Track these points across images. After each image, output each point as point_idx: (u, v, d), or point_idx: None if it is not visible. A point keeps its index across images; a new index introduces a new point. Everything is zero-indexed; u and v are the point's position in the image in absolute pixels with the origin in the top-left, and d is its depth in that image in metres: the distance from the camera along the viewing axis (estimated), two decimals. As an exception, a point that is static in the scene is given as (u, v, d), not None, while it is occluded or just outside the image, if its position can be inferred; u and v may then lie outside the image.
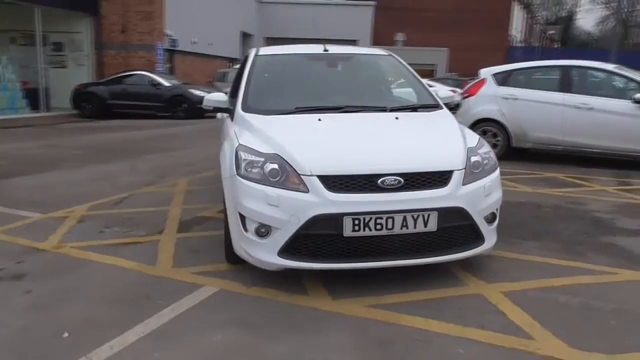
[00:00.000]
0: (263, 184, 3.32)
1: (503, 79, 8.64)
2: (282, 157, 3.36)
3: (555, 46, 64.68)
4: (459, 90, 11.04)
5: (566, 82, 8.14)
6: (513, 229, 4.71)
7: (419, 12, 38.96)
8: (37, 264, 4.02)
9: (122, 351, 2.81)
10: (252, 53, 4.94)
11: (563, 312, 3.18)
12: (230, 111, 4.45)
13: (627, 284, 3.62)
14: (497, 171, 3.70)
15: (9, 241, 4.51)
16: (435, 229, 3.28)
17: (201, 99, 15.94)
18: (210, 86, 19.53)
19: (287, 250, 3.27)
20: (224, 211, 3.94)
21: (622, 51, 51.05)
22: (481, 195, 3.47)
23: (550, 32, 67.10)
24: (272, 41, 34.11)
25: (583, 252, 4.25)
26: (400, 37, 36.60)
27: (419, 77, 4.87)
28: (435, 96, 4.55)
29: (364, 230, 3.20)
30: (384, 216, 3.20)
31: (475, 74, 9.59)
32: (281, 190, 3.26)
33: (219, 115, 5.72)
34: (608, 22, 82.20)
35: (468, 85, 9.47)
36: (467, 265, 3.76)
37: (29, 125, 13.99)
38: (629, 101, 7.63)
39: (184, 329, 3.02)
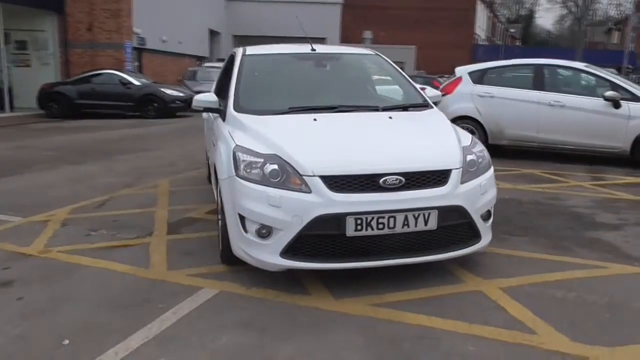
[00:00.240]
0: (264, 185, 3.30)
1: (478, 77, 8.80)
2: (281, 158, 3.35)
3: (517, 44, 66.18)
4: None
5: (539, 81, 8.34)
6: (499, 225, 4.78)
7: (386, 10, 39.36)
8: (25, 270, 3.90)
9: (128, 357, 2.76)
10: (240, 52, 4.90)
11: (561, 307, 3.26)
12: (220, 111, 4.40)
13: (617, 278, 3.74)
14: (492, 169, 3.77)
15: (-9, 247, 4.37)
16: (435, 228, 3.32)
17: (173, 98, 15.76)
18: (181, 85, 19.27)
19: (290, 251, 3.26)
20: (219, 212, 3.91)
21: (579, 49, 52.55)
22: (478, 194, 3.53)
23: (512, 30, 68.61)
24: (240, 39, 33.84)
25: (570, 247, 4.37)
26: (367, 35, 36.86)
27: (406, 75, 4.93)
28: (424, 95, 4.60)
29: (366, 229, 3.22)
30: (386, 215, 3.22)
31: (442, 72, 9.74)
32: (283, 190, 3.25)
33: (204, 114, 5.63)
34: (566, 20, 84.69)
35: (445, 84, 9.60)
36: (463, 262, 3.82)
37: (-7, 126, 13.55)
38: (600, 99, 7.85)
39: (189, 332, 2.99)
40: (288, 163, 3.32)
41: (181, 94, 16.29)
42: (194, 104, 4.52)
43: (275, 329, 3.02)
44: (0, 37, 16.52)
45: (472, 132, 8.54)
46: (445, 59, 35.74)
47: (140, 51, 20.58)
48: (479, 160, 3.67)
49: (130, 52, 18.86)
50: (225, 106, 4.30)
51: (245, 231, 3.38)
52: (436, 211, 3.30)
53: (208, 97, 4.45)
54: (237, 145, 3.58)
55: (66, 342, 2.90)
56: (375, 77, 5.04)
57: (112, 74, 16.18)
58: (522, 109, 8.24)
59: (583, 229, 4.88)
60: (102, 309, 3.29)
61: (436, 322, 3.05)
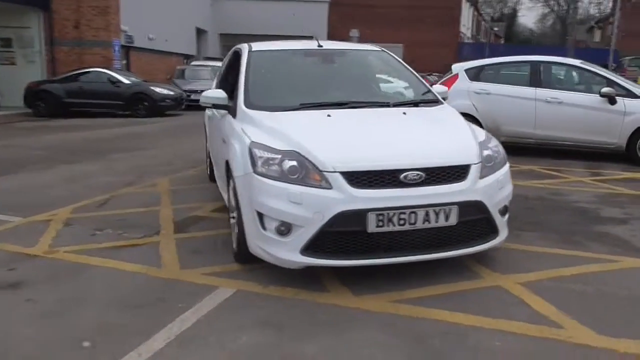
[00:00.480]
0: (283, 182, 3.26)
1: (475, 75, 8.82)
2: (300, 154, 3.31)
3: (501, 42, 66.75)
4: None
5: (536, 77, 8.39)
6: (509, 221, 4.80)
7: (372, 8, 39.37)
8: (32, 271, 3.81)
9: (152, 358, 2.70)
10: (246, 49, 4.83)
11: (582, 301, 3.26)
12: (229, 108, 4.34)
13: (631, 271, 3.76)
14: (507, 165, 3.77)
15: (-6, 247, 4.27)
16: (455, 223, 3.31)
17: (163, 96, 15.64)
18: (170, 83, 19.09)
19: (310, 248, 3.22)
20: (232, 210, 3.85)
21: (563, 47, 53.07)
22: (496, 189, 3.52)
23: (496, 29, 69.21)
24: (226, 37, 33.66)
25: (580, 241, 4.38)
26: (354, 33, 36.85)
27: (413, 71, 4.91)
28: (434, 91, 4.59)
29: (387, 225, 3.19)
30: (407, 211, 3.20)
31: (429, 70, 9.75)
32: (303, 187, 3.21)
33: (208, 112, 5.55)
34: (548, 19, 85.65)
35: (441, 80, 9.61)
36: (479, 257, 3.81)
37: (-21, 125, 13.30)
38: (596, 95, 7.92)
39: (210, 332, 2.93)
40: (307, 159, 3.27)
41: (171, 93, 16.15)
42: (202, 100, 4.45)
43: (296, 327, 2.98)
44: (-15, 35, 16.23)
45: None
46: (431, 57, 35.91)
47: (128, 49, 20.32)
48: (495, 156, 3.67)
49: (118, 50, 18.63)
50: (235, 103, 4.24)
51: (264, 228, 3.34)
52: (456, 206, 3.28)
53: (216, 93, 4.38)
54: (252, 141, 3.53)
55: (86, 344, 2.83)
56: (383, 73, 5.00)
57: (100, 72, 15.97)
58: (519, 105, 8.28)
59: (590, 223, 4.90)
60: (117, 309, 3.22)
61: (459, 318, 3.04)
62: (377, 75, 4.93)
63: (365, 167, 3.21)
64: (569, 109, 8.00)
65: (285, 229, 3.26)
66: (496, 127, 8.50)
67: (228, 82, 5.24)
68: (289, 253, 3.27)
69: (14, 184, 6.66)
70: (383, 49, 5.21)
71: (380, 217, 3.17)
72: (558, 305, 3.17)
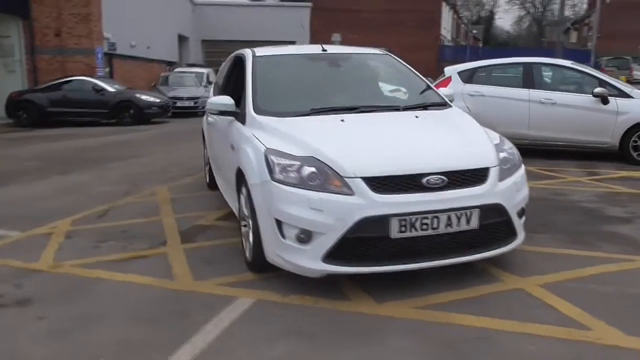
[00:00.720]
0: (303, 188, 3.20)
1: (468, 77, 8.86)
2: (319, 160, 3.26)
3: (480, 45, 67.56)
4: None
5: (529, 79, 8.45)
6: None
7: (354, 13, 39.51)
8: (39, 287, 3.69)
9: (179, 374, 2.62)
10: (249, 54, 4.77)
11: (605, 301, 3.26)
12: (237, 114, 4.27)
13: (647, 270, 3.78)
14: (523, 167, 3.76)
15: (-4, 263, 4.13)
16: (476, 227, 3.29)
17: (149, 104, 15.52)
18: (154, 90, 18.89)
19: (332, 256, 3.17)
20: (243, 218, 3.77)
21: (539, 49, 53.83)
22: (514, 191, 3.51)
23: (474, 31, 70.07)
24: (208, 44, 33.53)
25: (591, 241, 4.40)
26: (336, 37, 36.92)
27: (419, 74, 4.89)
28: (441, 94, 4.58)
29: (410, 231, 3.15)
30: (430, 216, 3.17)
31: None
32: (324, 193, 3.16)
33: (210, 119, 5.47)
34: (524, 21, 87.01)
35: (434, 83, 9.63)
36: (496, 260, 3.78)
37: (-40, 137, 12.99)
38: (588, 95, 8.00)
39: (238, 344, 2.86)
40: (327, 165, 3.23)
41: (157, 100, 15.98)
42: (208, 107, 4.38)
43: (326, 336, 2.92)
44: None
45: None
46: (413, 60, 35.86)
47: (110, 57, 20.06)
48: (511, 158, 3.66)
49: (101, 58, 18.38)
50: (243, 109, 4.17)
51: (283, 236, 3.27)
52: (478, 210, 3.26)
53: (223, 99, 4.31)
54: (268, 148, 3.47)
55: (107, 361, 2.74)
56: (388, 76, 4.96)
57: (84, 80, 15.75)
58: (514, 107, 8.33)
59: (596, 223, 4.93)
60: (134, 324, 3.13)
61: (487, 323, 3.01)
62: (380, 82, 4.89)
63: (387, 172, 3.17)
64: (562, 109, 8.07)
65: (305, 236, 3.20)
66: (491, 129, 8.52)
67: (230, 88, 5.18)
68: (310, 261, 3.21)
69: (6, 196, 6.50)
70: (386, 52, 5.19)
71: (403, 223, 3.13)
72: (582, 307, 3.16)
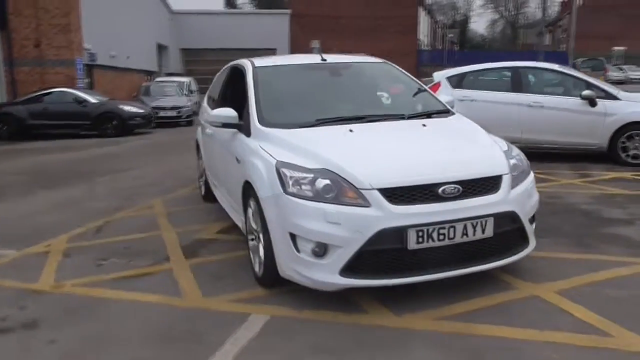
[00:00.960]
0: (318, 201, 3.16)
1: (457, 82, 8.91)
2: (334, 172, 3.22)
3: (456, 49, 68.34)
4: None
5: (518, 83, 8.54)
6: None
7: (333, 19, 39.63)
8: (44, 308, 3.58)
9: (204, 397, 2.54)
10: (248, 65, 4.72)
11: (620, 306, 3.27)
12: (240, 126, 4.22)
13: (656, 273, 3.81)
14: (532, 173, 3.77)
15: (-4, 285, 4.00)
16: (491, 235, 3.28)
17: (132, 115, 15.28)
18: (136, 100, 18.67)
19: (349, 269, 3.13)
20: (257, 232, 3.70)
21: (514, 51, 54.60)
22: (526, 198, 3.52)
23: (450, 35, 70.86)
24: (187, 52, 33.37)
25: (595, 244, 4.43)
26: (315, 44, 37.00)
27: (419, 82, 4.89)
28: (443, 102, 4.58)
29: (427, 241, 3.13)
30: (446, 226, 3.15)
31: None
32: (341, 206, 3.12)
33: (208, 130, 5.39)
34: (497, 25, 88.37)
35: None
36: (506, 267, 3.75)
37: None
38: (577, 98, 8.11)
39: (259, 363, 2.80)
40: (341, 177, 3.19)
41: (140, 111, 15.77)
42: (212, 119, 4.31)
43: (352, 351, 2.88)
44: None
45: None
46: (393, 65, 36.27)
47: (90, 67, 19.78)
48: (520, 164, 3.67)
49: (81, 69, 18.10)
50: (247, 121, 4.12)
51: (298, 250, 3.22)
52: (492, 218, 3.26)
53: (226, 112, 4.24)
54: (278, 160, 3.42)
55: (127, 385, 2.65)
56: (388, 84, 4.95)
57: (65, 92, 15.47)
58: (503, 111, 8.39)
59: (597, 225, 4.97)
60: (149, 344, 3.05)
61: (509, 332, 2.99)
62: (382, 91, 4.88)
63: (403, 183, 3.15)
64: (552, 112, 8.16)
65: (320, 250, 3.16)
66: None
67: (227, 99, 5.12)
68: (327, 275, 3.16)
69: (-4, 213, 6.32)
70: (384, 60, 5.19)
71: (420, 233, 3.11)
72: (599, 312, 3.17)
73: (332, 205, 3.12)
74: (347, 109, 4.30)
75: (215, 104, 5.42)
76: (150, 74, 26.66)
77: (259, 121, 4.00)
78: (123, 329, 3.25)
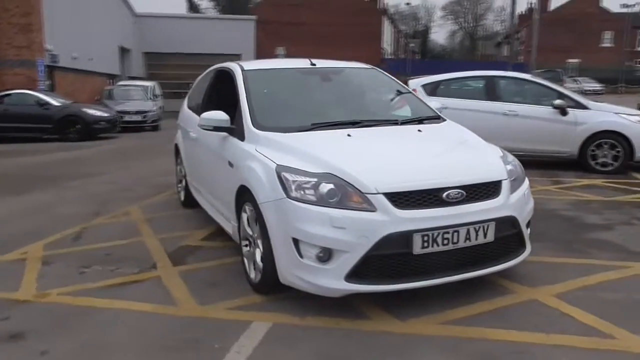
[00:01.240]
0: (322, 206, 3.11)
1: (432, 90, 9.02)
2: (337, 176, 3.18)
3: (417, 57, 69.57)
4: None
5: (492, 91, 8.72)
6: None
7: (298, 26, 39.74)
8: (29, 319, 3.40)
9: (214, 408, 2.45)
10: (237, 68, 4.63)
11: (618, 308, 3.34)
12: (232, 130, 4.13)
13: (646, 276, 3.91)
14: (527, 179, 3.82)
15: (-29, 295, 3.77)
16: (492, 240, 3.30)
17: (96, 118, 14.86)
18: (99, 104, 18.18)
19: (355, 274, 3.08)
20: (253, 238, 3.61)
21: (474, 61, 56.02)
22: (524, 203, 3.56)
23: (412, 45, 72.11)
24: (150, 56, 32.71)
25: (582, 249, 4.53)
26: (280, 51, 37.00)
27: (408, 88, 4.91)
28: (433, 108, 4.62)
29: (432, 246, 3.12)
30: (450, 230, 3.15)
31: None
32: (346, 211, 3.07)
33: (193, 134, 5.26)
34: (457, 36, 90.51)
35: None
36: (501, 272, 3.79)
37: None
38: (548, 107, 8.33)
39: (267, 372, 2.72)
40: (346, 181, 3.15)
41: (105, 114, 15.37)
42: (201, 122, 4.19)
43: (359, 358, 2.83)
44: None
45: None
46: (358, 73, 36.50)
47: (52, 69, 19.15)
48: (516, 170, 3.71)
49: (42, 70, 17.51)
50: (240, 124, 4.04)
51: (301, 256, 3.16)
52: (494, 223, 3.28)
53: (218, 115, 4.14)
54: (279, 165, 3.36)
55: (132, 398, 2.53)
56: (378, 89, 4.95)
57: (26, 94, 14.93)
58: (478, 119, 8.47)
59: (580, 231, 5.09)
60: (151, 354, 2.93)
61: (516, 336, 3.01)
62: (372, 96, 4.87)
63: (408, 187, 3.13)
64: (526, 121, 8.36)
65: (325, 255, 3.10)
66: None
67: (213, 103, 5.00)
68: (332, 280, 3.11)
69: (-40, 220, 6.00)
70: (373, 67, 5.19)
71: (425, 238, 3.10)
72: (599, 315, 3.22)
73: (338, 209, 3.08)
74: (341, 113, 4.26)
75: (200, 107, 5.30)
76: (112, 78, 26.02)
77: (253, 125, 3.93)
78: (118, 339, 3.11)
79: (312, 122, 3.95)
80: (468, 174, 3.32)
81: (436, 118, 4.46)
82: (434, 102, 4.87)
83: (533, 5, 44.25)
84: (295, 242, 3.17)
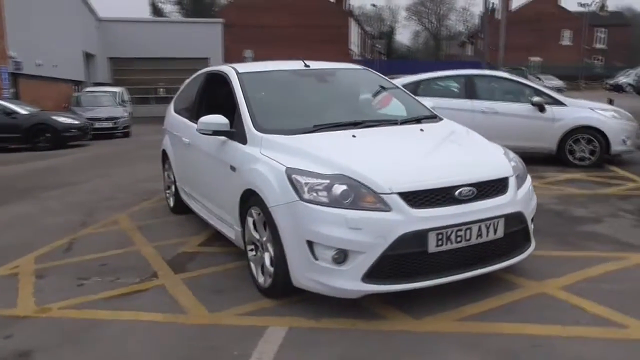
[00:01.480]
0: (337, 207, 3.10)
1: (413, 89, 9.00)
2: (350, 177, 3.18)
3: (384, 58, 70.15)
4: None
5: (471, 90, 8.86)
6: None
7: (264, 28, 39.55)
8: (35, 335, 3.28)
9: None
10: (231, 71, 4.57)
11: (624, 298, 3.42)
12: (232, 134, 4.08)
13: (645, 266, 4.02)
14: (529, 175, 3.89)
15: (-34, 313, 3.62)
16: (502, 235, 3.34)
17: (66, 126, 14.49)
18: (68, 111, 17.74)
19: (371, 275, 3.09)
20: (265, 243, 3.54)
21: (438, 61, 56.88)
22: (529, 199, 3.63)
23: (378, 46, 72.73)
24: (116, 61, 32.12)
25: (577, 242, 4.63)
26: (248, 53, 36.80)
27: (402, 88, 4.95)
28: (429, 107, 4.66)
29: (446, 244, 3.15)
30: (463, 228, 3.18)
31: None
32: (361, 211, 3.07)
33: (185, 139, 5.17)
34: (421, 36, 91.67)
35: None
36: (506, 267, 3.85)
37: None
38: (527, 104, 8.51)
39: (293, 377, 2.69)
40: (359, 182, 3.15)
41: (76, 122, 15.01)
42: (200, 127, 4.13)
43: (384, 358, 2.82)
44: None
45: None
46: (328, 74, 36.59)
47: (15, 77, 18.58)
48: (519, 166, 3.78)
49: (6, 78, 16.97)
50: (241, 128, 4.00)
51: (316, 258, 3.15)
52: (503, 219, 3.33)
53: (217, 119, 4.09)
54: (288, 167, 3.33)
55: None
56: (372, 90, 4.96)
57: (-8, 103, 14.46)
58: (459, 118, 8.53)
59: (571, 224, 5.21)
60: (171, 365, 2.87)
61: (534, 329, 3.05)
62: (367, 97, 4.88)
63: (422, 187, 3.15)
64: (505, 118, 8.51)
65: (340, 257, 3.10)
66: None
67: (207, 107, 4.95)
68: (348, 282, 3.10)
69: (-61, 235, 5.76)
70: (365, 67, 5.21)
71: (440, 236, 3.12)
72: (608, 305, 3.30)
73: (353, 210, 3.08)
74: (341, 114, 4.27)
75: (193, 112, 5.22)
76: (77, 84, 25.44)
77: (254, 128, 3.89)
78: (134, 350, 3.04)
79: (314, 124, 3.93)
80: (477, 172, 3.36)
81: (433, 117, 4.50)
82: (428, 102, 4.91)
83: (495, 5, 45.21)
84: (310, 244, 3.16)
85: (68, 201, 7.21)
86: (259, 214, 3.55)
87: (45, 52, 21.11)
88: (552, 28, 53.36)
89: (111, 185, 8.38)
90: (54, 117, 14.66)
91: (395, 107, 4.70)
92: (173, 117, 5.93)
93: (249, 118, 3.99)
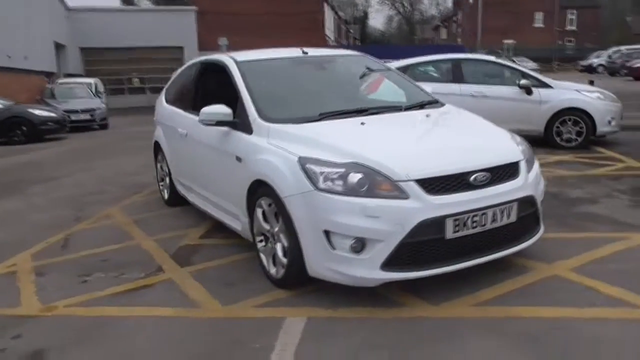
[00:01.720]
0: (354, 196, 3.07)
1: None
2: (365, 165, 3.14)
3: (358, 44, 70.04)
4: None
5: (459, 74, 8.88)
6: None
7: (238, 16, 39.05)
8: (44, 334, 3.20)
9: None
10: (229, 60, 4.48)
11: (634, 278, 3.47)
12: (236, 124, 4.00)
13: (646, 245, 4.09)
14: (536, 159, 3.91)
15: (-31, 313, 3.51)
16: (515, 220, 3.36)
17: (43, 119, 14.07)
18: (42, 103, 17.29)
19: (391, 263, 3.07)
20: (277, 234, 3.49)
21: (416, 46, 57.06)
22: (538, 182, 3.65)
23: (352, 31, 72.51)
24: (88, 52, 31.35)
25: (577, 223, 4.70)
26: (223, 41, 36.30)
27: (401, 74, 4.92)
28: (429, 93, 4.65)
29: (463, 229, 3.15)
30: (479, 213, 3.18)
31: None
32: (379, 199, 3.05)
33: (181, 130, 5.06)
34: (394, 21, 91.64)
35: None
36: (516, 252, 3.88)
37: None
38: (514, 87, 8.57)
39: (321, 368, 2.67)
40: (375, 170, 3.11)
41: (53, 115, 14.62)
42: (203, 117, 4.03)
43: (408, 345, 2.82)
44: None
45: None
46: (304, 62, 36.35)
47: (-15, 69, 18.00)
48: (527, 150, 3.79)
49: (-23, 71, 16.41)
50: (245, 118, 3.93)
51: (333, 247, 3.12)
52: (516, 203, 3.34)
53: (221, 109, 4.00)
54: (301, 157, 3.28)
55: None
56: (372, 77, 4.91)
57: (-36, 97, 13.98)
58: (447, 101, 8.63)
59: (569, 206, 5.27)
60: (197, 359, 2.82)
61: (551, 312, 3.08)
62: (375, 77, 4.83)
63: (438, 173, 3.13)
64: (493, 101, 8.55)
65: (358, 245, 3.07)
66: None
67: (205, 97, 4.84)
68: (367, 270, 3.08)
69: None
70: (363, 53, 5.16)
71: (457, 222, 3.12)
72: (620, 285, 3.34)
73: (370, 199, 3.05)
74: (344, 102, 4.22)
75: (189, 103, 5.11)
76: (49, 75, 24.75)
77: (260, 117, 3.83)
78: (150, 347, 2.98)
79: (320, 112, 3.88)
80: (490, 157, 3.36)
81: (435, 102, 4.48)
82: (426, 86, 4.89)
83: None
84: (327, 234, 3.12)
85: (54, 196, 7.03)
86: (270, 204, 3.50)
87: (15, 44, 20.46)
88: (525, 11, 53.84)
89: (95, 178, 8.19)
90: (30, 110, 14.25)
91: (395, 93, 4.67)
92: (165, 108, 5.80)
93: (254, 108, 3.91)
